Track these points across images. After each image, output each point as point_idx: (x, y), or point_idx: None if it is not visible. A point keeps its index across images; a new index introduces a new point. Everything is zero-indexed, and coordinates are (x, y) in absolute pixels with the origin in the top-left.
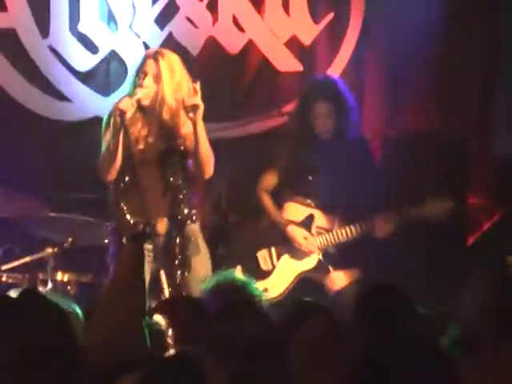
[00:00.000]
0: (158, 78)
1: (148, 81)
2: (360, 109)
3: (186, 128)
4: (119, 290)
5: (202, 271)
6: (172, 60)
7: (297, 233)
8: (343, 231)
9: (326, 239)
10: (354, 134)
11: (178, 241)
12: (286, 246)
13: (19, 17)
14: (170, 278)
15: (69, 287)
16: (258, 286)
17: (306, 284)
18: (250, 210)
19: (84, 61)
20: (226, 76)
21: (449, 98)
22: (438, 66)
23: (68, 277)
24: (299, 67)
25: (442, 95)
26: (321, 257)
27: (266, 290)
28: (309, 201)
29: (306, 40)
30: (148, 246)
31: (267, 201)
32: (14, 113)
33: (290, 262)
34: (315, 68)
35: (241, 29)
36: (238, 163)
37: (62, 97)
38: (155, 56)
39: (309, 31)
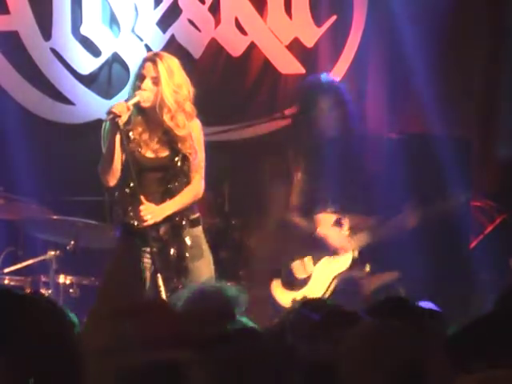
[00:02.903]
0: (157, 80)
1: (147, 83)
2: (363, 111)
3: (184, 130)
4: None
5: (205, 275)
6: (170, 62)
7: (329, 232)
8: (376, 230)
9: (360, 238)
10: (357, 128)
11: (175, 247)
12: (320, 253)
13: (22, 19)
14: (168, 283)
15: (71, 290)
16: (298, 295)
17: (342, 286)
18: (252, 212)
19: (86, 64)
20: (229, 78)
21: (452, 100)
22: (441, 67)
23: (70, 279)
24: (301, 70)
25: (445, 96)
26: (356, 255)
27: (305, 298)
28: (333, 209)
29: (309, 43)
30: (148, 249)
31: (297, 220)
32: (15, 115)
33: (325, 267)
34: (317, 70)
35: (243, 31)
36: (241, 166)
37: (64, 99)
38: (153, 58)
39: (311, 34)
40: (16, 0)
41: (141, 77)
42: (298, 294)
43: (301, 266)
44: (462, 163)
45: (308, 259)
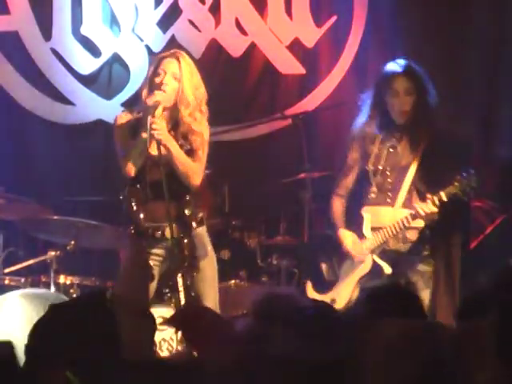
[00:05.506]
0: (178, 76)
1: (168, 78)
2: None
3: (201, 126)
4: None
5: (209, 274)
6: (190, 62)
7: (345, 237)
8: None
9: (378, 238)
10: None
11: (185, 242)
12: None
13: (22, 19)
14: (182, 280)
15: (71, 290)
16: (326, 297)
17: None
18: (251, 212)
19: (86, 64)
20: (229, 79)
21: (452, 100)
22: (441, 67)
23: (71, 280)
24: (302, 70)
25: (445, 96)
26: (375, 257)
27: (333, 300)
28: (388, 200)
29: (309, 43)
30: (157, 251)
31: (336, 207)
32: (16, 115)
33: (349, 270)
34: (318, 71)
35: (243, 32)
36: (241, 166)
37: (64, 100)
38: (175, 55)
39: (311, 34)
40: (16, 0)
41: (159, 73)
42: (327, 297)
43: (329, 268)
44: (463, 164)
45: (335, 261)
